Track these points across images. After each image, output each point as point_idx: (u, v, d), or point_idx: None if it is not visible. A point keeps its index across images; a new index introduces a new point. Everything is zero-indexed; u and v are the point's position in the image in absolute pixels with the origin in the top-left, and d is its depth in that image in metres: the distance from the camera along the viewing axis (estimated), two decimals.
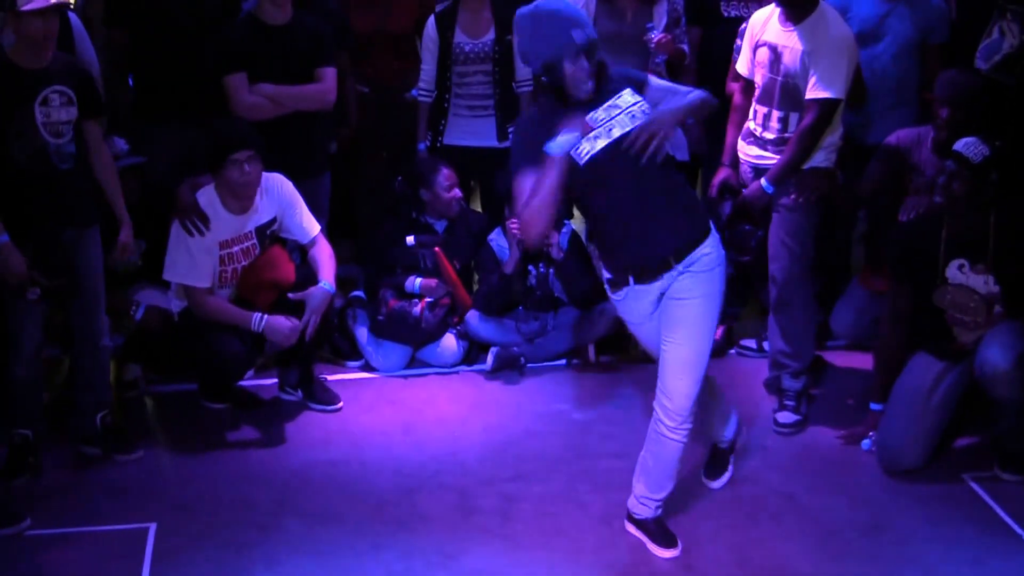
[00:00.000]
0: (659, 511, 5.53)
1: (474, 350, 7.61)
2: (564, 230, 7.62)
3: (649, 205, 5.10)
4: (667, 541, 5.49)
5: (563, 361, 7.60)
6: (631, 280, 5.25)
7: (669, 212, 5.16)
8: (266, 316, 6.48)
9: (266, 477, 6.21)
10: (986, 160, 5.95)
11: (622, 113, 5.08)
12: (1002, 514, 5.85)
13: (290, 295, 6.58)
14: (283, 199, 6.73)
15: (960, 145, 6.01)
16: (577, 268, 7.58)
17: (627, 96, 5.14)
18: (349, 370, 7.49)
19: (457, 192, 7.66)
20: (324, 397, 6.94)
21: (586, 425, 6.77)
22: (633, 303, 5.35)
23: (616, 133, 5.04)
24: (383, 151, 8.34)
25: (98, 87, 6.34)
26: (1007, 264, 6.03)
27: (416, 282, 7.49)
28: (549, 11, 5.08)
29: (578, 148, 4.99)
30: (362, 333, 7.50)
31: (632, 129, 5.01)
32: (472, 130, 7.97)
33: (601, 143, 5.02)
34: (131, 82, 7.30)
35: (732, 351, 7.65)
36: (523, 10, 5.14)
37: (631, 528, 5.59)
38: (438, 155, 7.90)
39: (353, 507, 5.91)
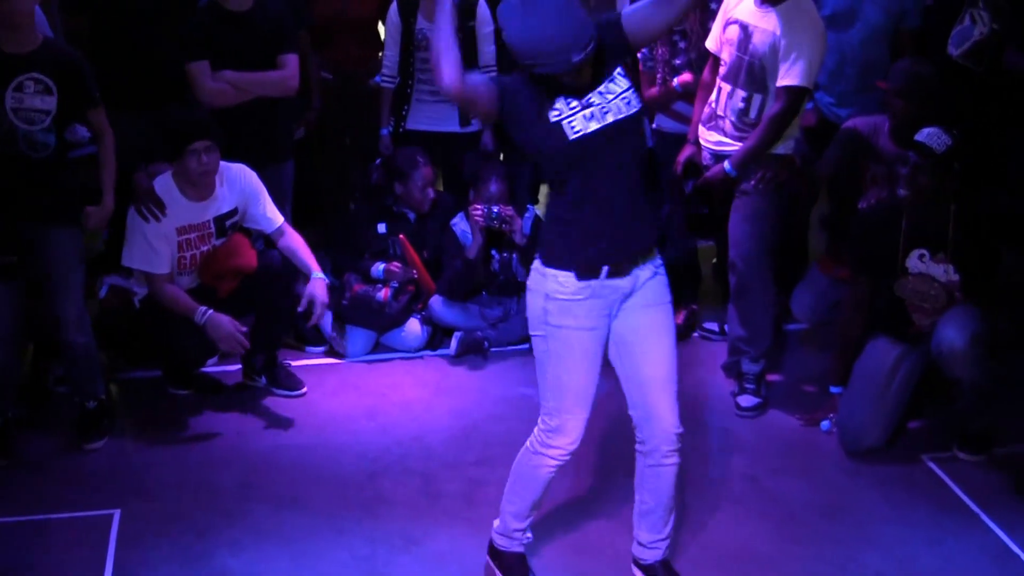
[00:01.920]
0: (667, 551, 5.18)
1: (438, 335, 7.64)
2: (527, 215, 7.65)
3: (628, 196, 4.71)
4: None
5: (527, 345, 7.60)
6: (604, 273, 4.72)
7: (644, 206, 4.81)
8: (210, 312, 6.47)
9: (231, 462, 6.23)
10: (949, 150, 5.99)
11: (617, 98, 4.66)
12: (960, 494, 5.91)
13: (300, 309, 6.65)
14: (246, 190, 6.73)
15: (923, 136, 6.04)
16: None
17: (620, 80, 4.69)
18: (313, 356, 7.51)
19: (431, 192, 7.69)
20: (288, 383, 6.96)
21: None
22: (594, 302, 4.76)
23: (609, 119, 4.62)
24: (346, 137, 8.35)
25: (89, 79, 6.32)
26: (967, 253, 6.08)
27: (380, 267, 7.52)
28: (544, 29, 4.43)
29: (571, 121, 4.61)
30: (326, 318, 7.50)
31: (623, 117, 4.62)
32: (435, 115, 7.99)
33: (594, 125, 4.60)
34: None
35: (695, 334, 7.70)
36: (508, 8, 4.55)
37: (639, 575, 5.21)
38: (401, 140, 7.93)
39: (318, 492, 5.93)
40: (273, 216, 6.82)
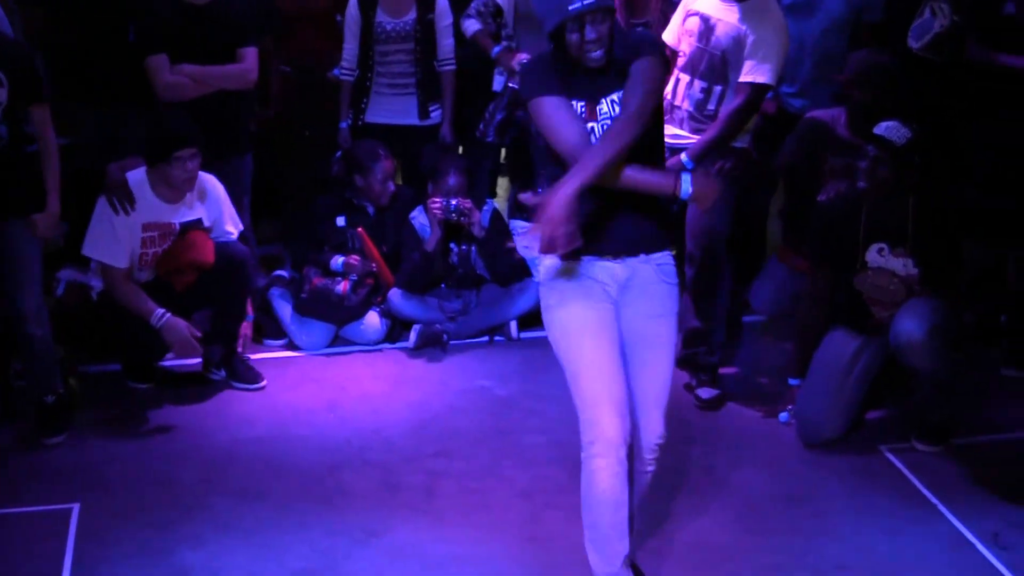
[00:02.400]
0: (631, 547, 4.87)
1: (397, 328, 7.65)
2: (486, 208, 7.67)
3: (624, 202, 4.56)
4: None
5: (486, 338, 7.65)
6: (586, 256, 4.62)
7: (642, 212, 4.62)
8: (167, 316, 6.47)
9: (190, 456, 6.22)
10: (909, 143, 6.02)
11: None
12: (918, 484, 5.95)
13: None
14: (217, 203, 6.81)
15: (882, 129, 6.06)
16: (499, 245, 7.63)
17: (618, 104, 4.55)
18: (272, 349, 7.51)
19: (391, 186, 7.70)
20: (247, 376, 6.95)
21: (509, 401, 6.83)
22: (582, 277, 4.64)
23: None
24: (306, 130, 8.35)
25: (39, 72, 6.29)
26: (926, 247, 6.12)
27: (339, 260, 7.52)
28: None
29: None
30: (285, 311, 7.51)
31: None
32: (394, 108, 8.01)
33: (592, 138, 4.50)
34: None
35: None
36: None
37: None
38: (360, 133, 7.94)
39: (278, 484, 5.93)
40: (232, 230, 6.91)
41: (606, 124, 4.50)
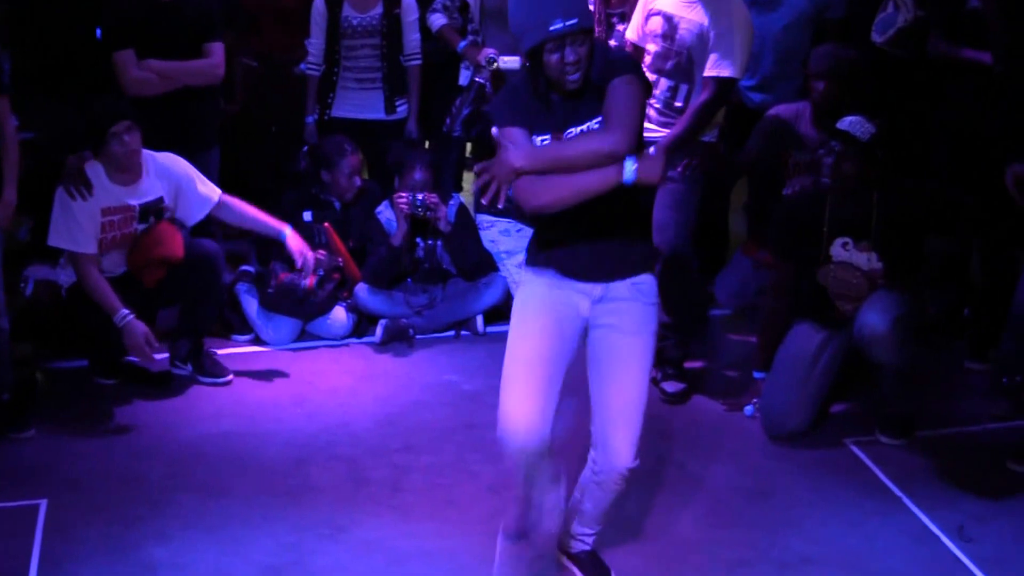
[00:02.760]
0: (595, 544, 5.15)
1: (363, 322, 7.65)
2: (452, 203, 7.67)
3: (592, 229, 4.51)
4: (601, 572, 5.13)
5: (452, 332, 7.65)
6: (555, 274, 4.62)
7: (619, 241, 4.59)
8: (130, 317, 6.43)
9: (157, 451, 6.21)
10: (873, 138, 6.04)
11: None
12: (882, 477, 5.99)
13: (299, 264, 6.85)
14: (174, 176, 6.73)
15: (846, 124, 6.09)
16: (465, 240, 7.63)
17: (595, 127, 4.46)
18: (239, 344, 7.50)
19: (357, 181, 7.71)
20: (214, 370, 6.95)
21: (475, 395, 6.83)
22: (552, 289, 4.63)
23: None
24: (272, 125, 8.34)
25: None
26: (890, 241, 6.15)
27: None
28: None
29: None
30: (252, 306, 7.51)
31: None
32: (360, 103, 8.02)
33: None
34: None
35: None
36: None
37: (566, 562, 5.18)
38: (326, 128, 7.94)
39: (244, 480, 5.93)
40: (209, 193, 6.84)
41: None
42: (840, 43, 7.06)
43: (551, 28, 4.22)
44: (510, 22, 4.38)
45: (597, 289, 4.59)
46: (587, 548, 5.11)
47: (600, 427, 4.70)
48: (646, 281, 4.64)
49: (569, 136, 4.43)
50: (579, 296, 4.60)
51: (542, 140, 4.45)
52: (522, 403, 4.58)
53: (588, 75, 4.38)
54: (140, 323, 6.43)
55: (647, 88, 4.52)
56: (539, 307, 4.63)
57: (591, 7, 6.68)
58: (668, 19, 6.40)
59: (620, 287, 4.59)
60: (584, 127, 4.42)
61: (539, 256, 4.64)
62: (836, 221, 6.19)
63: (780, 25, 7.23)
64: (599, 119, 4.39)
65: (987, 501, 5.73)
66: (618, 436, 4.66)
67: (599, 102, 4.39)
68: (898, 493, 5.84)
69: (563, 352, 4.62)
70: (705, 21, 6.26)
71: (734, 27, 6.26)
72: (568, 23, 4.22)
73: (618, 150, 4.29)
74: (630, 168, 4.28)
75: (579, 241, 4.53)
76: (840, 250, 6.20)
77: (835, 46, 6.91)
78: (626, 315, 4.61)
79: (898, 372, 6.19)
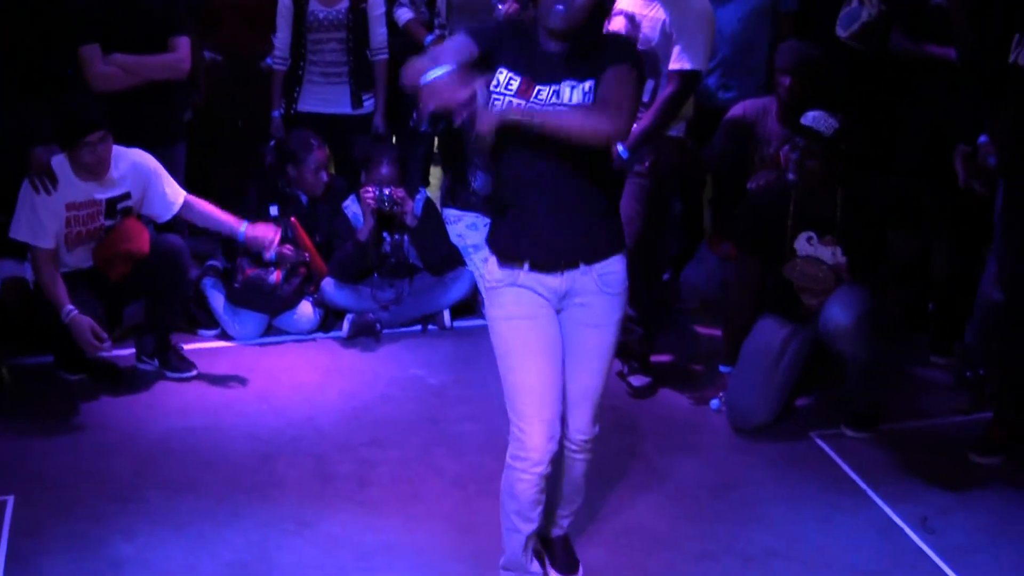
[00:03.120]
0: (567, 528, 5.17)
1: (330, 317, 7.66)
2: (419, 197, 7.68)
3: (558, 206, 4.42)
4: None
5: (419, 327, 7.66)
6: (526, 266, 4.52)
7: (583, 222, 4.47)
8: (74, 313, 6.39)
9: (124, 447, 6.19)
10: (837, 132, 6.07)
11: (557, 107, 4.32)
12: (847, 470, 6.03)
13: (267, 256, 6.80)
14: (143, 174, 6.70)
15: (809, 119, 6.11)
16: (432, 234, 7.64)
17: (577, 94, 4.34)
18: (205, 339, 7.50)
19: (324, 175, 7.70)
20: (180, 366, 6.93)
21: (442, 390, 6.85)
22: (521, 292, 4.56)
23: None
24: (238, 120, 8.33)
25: None
26: (854, 236, 6.18)
27: (272, 250, 7.51)
28: None
29: (497, 99, 4.35)
30: (218, 301, 7.50)
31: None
32: (326, 97, 8.02)
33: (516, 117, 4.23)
34: None
35: None
36: None
37: (539, 546, 5.10)
38: (292, 122, 7.93)
39: (211, 475, 5.92)
40: (175, 194, 6.82)
41: (542, 106, 4.31)
42: (805, 39, 7.09)
43: None
44: None
45: (563, 283, 4.51)
46: (562, 533, 5.13)
47: (564, 405, 4.68)
48: (614, 270, 4.56)
49: (538, 94, 4.33)
50: (548, 292, 4.53)
51: (508, 78, 4.35)
52: (541, 436, 4.56)
53: (578, 39, 4.33)
54: (84, 317, 6.40)
55: (642, 77, 4.48)
56: (519, 323, 4.57)
57: None
58: (630, 18, 6.42)
59: (587, 280, 4.52)
60: (561, 87, 4.32)
61: (508, 246, 4.53)
62: (800, 215, 6.22)
63: (735, 18, 7.26)
64: (569, 82, 4.32)
65: (950, 493, 5.77)
66: (577, 413, 4.71)
67: (578, 69, 4.33)
68: (863, 486, 5.87)
69: (557, 355, 4.62)
70: (667, 17, 6.27)
71: (693, 21, 6.28)
72: None
73: (618, 134, 4.29)
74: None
75: (547, 218, 4.44)
76: (805, 244, 6.23)
77: (800, 42, 6.94)
78: (591, 308, 4.56)
79: (863, 366, 6.22)
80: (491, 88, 4.34)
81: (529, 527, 4.75)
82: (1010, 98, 5.73)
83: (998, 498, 5.76)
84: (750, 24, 7.34)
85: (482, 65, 4.33)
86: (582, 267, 4.51)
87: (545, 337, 4.58)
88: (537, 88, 4.33)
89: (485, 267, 4.66)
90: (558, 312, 4.60)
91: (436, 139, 8.60)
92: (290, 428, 6.38)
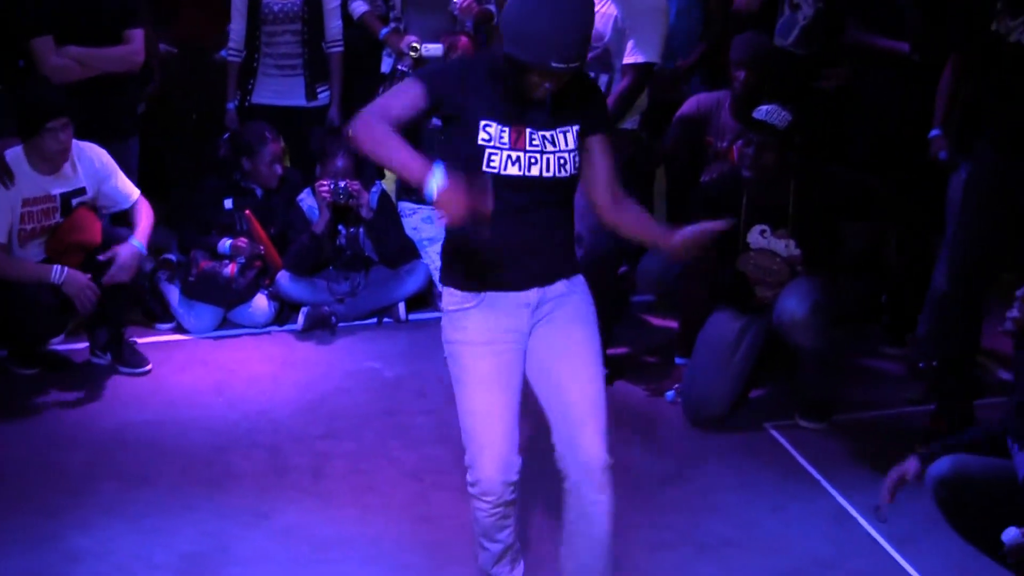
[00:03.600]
0: None
1: (285, 310, 7.66)
2: (374, 189, 7.68)
3: (530, 232, 4.22)
4: None
5: (374, 320, 7.67)
6: (493, 288, 4.29)
7: (550, 241, 4.29)
8: (67, 269, 6.41)
9: (78, 441, 6.17)
10: (790, 126, 6.10)
11: (555, 154, 4.17)
12: (801, 460, 6.06)
13: (100, 257, 6.54)
14: (98, 170, 6.68)
15: (762, 113, 6.13)
16: (387, 227, 7.64)
17: (569, 138, 4.20)
18: (160, 332, 7.48)
19: (278, 168, 7.69)
20: (133, 360, 6.91)
21: (397, 382, 6.86)
22: (487, 313, 4.30)
23: (534, 172, 4.14)
24: (193, 112, 8.31)
25: None
26: (807, 228, 6.21)
27: (227, 243, 7.50)
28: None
29: (493, 154, 4.12)
30: (173, 295, 7.48)
31: (549, 177, 4.16)
32: (280, 89, 8.01)
33: (513, 171, 4.12)
34: None
35: None
36: None
37: None
38: (247, 115, 7.92)
39: (166, 468, 5.91)
40: (128, 192, 6.80)
41: (534, 157, 4.13)
42: (757, 31, 7.12)
43: (552, 64, 3.95)
44: (505, 15, 4.08)
45: (534, 295, 4.31)
46: None
47: (563, 429, 4.39)
48: (581, 283, 4.44)
49: (531, 141, 4.13)
50: (517, 310, 4.31)
51: (499, 131, 4.12)
52: (491, 468, 4.32)
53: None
54: (77, 272, 6.43)
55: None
56: (481, 351, 4.31)
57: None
58: None
59: (556, 286, 4.34)
60: (551, 133, 4.15)
61: (471, 270, 4.29)
62: (753, 208, 6.25)
63: (673, 10, 7.29)
64: (562, 130, 4.18)
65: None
66: (585, 433, 4.35)
67: (565, 112, 4.17)
68: (816, 476, 5.90)
69: (517, 385, 4.37)
70: (616, 13, 6.29)
71: (645, 14, 6.29)
72: (569, 66, 3.99)
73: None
74: (436, 180, 3.88)
75: (514, 243, 4.21)
76: (758, 237, 6.26)
77: (755, 34, 6.97)
78: (565, 306, 4.37)
79: (817, 357, 6.25)
80: (481, 143, 4.13)
81: (496, 547, 4.57)
82: (999, 73, 5.72)
83: None
84: (682, 18, 7.39)
85: (431, 113, 4.22)
86: (552, 284, 4.34)
87: (506, 366, 4.33)
88: (529, 135, 4.15)
89: (447, 296, 4.38)
90: (531, 328, 4.36)
91: None
92: (245, 421, 6.38)
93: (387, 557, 5.20)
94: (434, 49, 7.66)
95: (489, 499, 4.38)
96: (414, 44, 7.63)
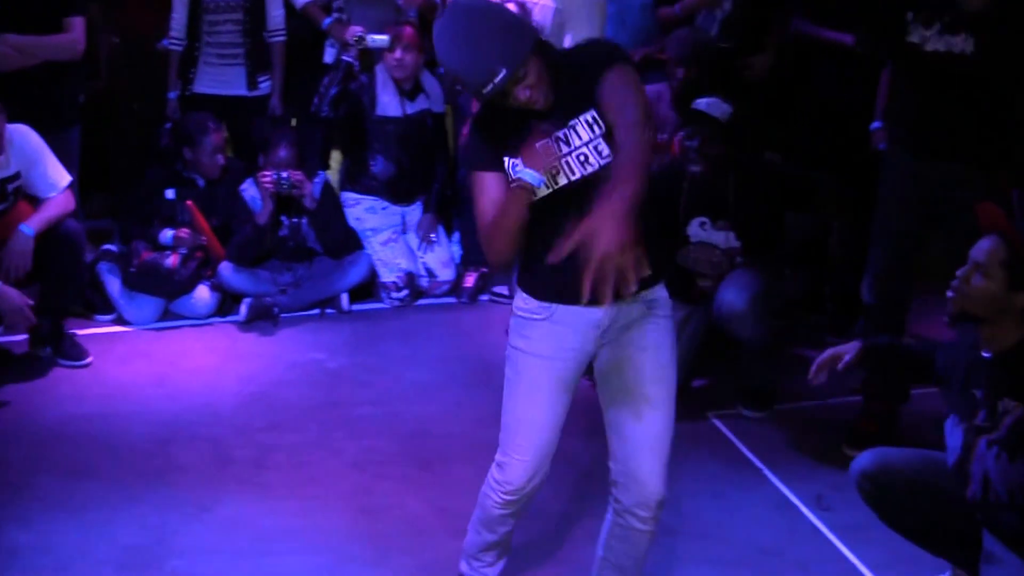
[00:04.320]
0: None
1: (228, 301, 7.63)
2: (317, 179, 7.66)
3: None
4: None
5: (317, 310, 7.65)
6: (567, 301, 4.09)
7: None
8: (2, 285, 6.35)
9: (17, 435, 6.13)
10: (731, 118, 6.12)
11: (572, 153, 3.97)
12: (744, 449, 6.11)
13: None
14: (26, 152, 6.60)
15: (703, 105, 6.15)
16: (330, 218, 7.63)
17: (581, 131, 3.97)
18: (101, 324, 7.44)
19: (220, 158, 7.65)
20: (73, 352, 6.86)
21: (340, 373, 6.85)
22: (555, 327, 4.15)
23: (561, 182, 3.97)
24: (135, 102, 8.27)
25: None
26: (747, 220, 6.23)
27: (169, 234, 7.46)
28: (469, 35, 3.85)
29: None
30: (114, 286, 7.43)
31: (576, 178, 3.96)
32: (222, 79, 7.98)
33: (541, 191, 3.97)
34: None
35: (484, 297, 7.81)
36: (441, 25, 3.91)
37: None
38: (189, 104, 7.88)
39: (107, 461, 5.87)
40: (56, 180, 6.70)
41: (583, 155, 3.95)
42: (693, 26, 7.14)
43: (485, 92, 3.82)
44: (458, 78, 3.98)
45: (607, 316, 4.11)
46: None
47: (623, 458, 4.32)
48: (659, 295, 4.20)
49: (560, 147, 3.95)
50: (585, 329, 4.15)
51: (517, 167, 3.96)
52: (520, 471, 4.31)
53: (558, 84, 3.97)
54: (9, 288, 6.36)
55: (629, 60, 4.08)
56: (540, 363, 4.20)
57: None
58: (521, 5, 6.41)
59: (633, 307, 4.14)
60: (583, 118, 3.96)
61: (546, 283, 4.13)
62: (693, 200, 6.27)
63: (637, 5, 7.29)
64: (591, 113, 3.95)
65: (843, 471, 5.75)
66: (646, 467, 4.27)
67: (574, 102, 3.97)
68: (759, 465, 5.93)
69: (567, 402, 4.31)
70: (556, 4, 6.29)
71: (583, 7, 6.32)
72: (497, 80, 3.81)
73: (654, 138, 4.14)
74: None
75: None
76: (698, 230, 6.28)
77: (690, 29, 6.99)
78: (640, 331, 4.18)
79: (757, 348, 6.28)
80: (514, 170, 3.98)
81: (490, 536, 4.58)
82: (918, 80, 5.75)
83: None
84: (648, 11, 7.39)
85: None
86: (634, 302, 4.13)
87: (562, 383, 4.24)
88: (565, 140, 3.98)
89: (519, 297, 4.24)
90: (599, 348, 4.23)
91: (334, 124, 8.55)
92: (187, 412, 6.35)
93: (330, 548, 5.19)
94: (379, 40, 7.64)
95: (508, 498, 4.37)
96: (359, 36, 7.62)
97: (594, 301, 3.58)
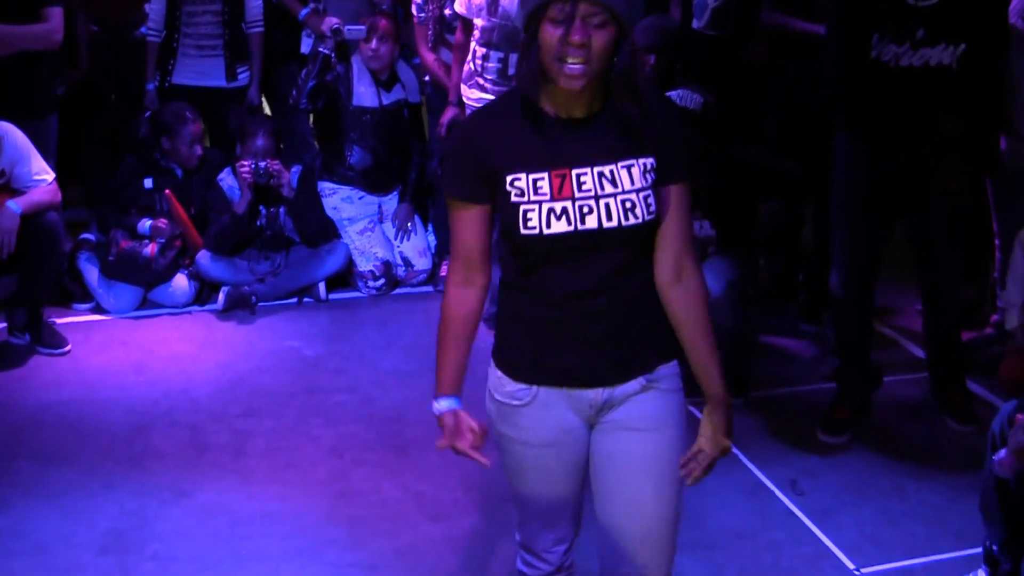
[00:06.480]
0: None
1: (206, 290, 7.65)
2: (294, 169, 7.68)
3: (591, 313, 3.36)
4: None
5: (294, 299, 7.67)
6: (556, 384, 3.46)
7: (637, 319, 3.43)
8: None
9: None
10: (703, 107, 6.15)
11: (617, 196, 3.25)
12: None
13: None
14: (13, 150, 6.62)
15: (675, 96, 6.19)
16: (307, 207, 7.65)
17: (636, 174, 3.27)
18: (79, 312, 7.45)
19: (198, 148, 7.67)
20: (52, 340, 6.88)
21: (317, 361, 6.87)
22: (544, 412, 3.48)
23: (590, 223, 3.23)
24: (112, 92, 8.28)
25: None
26: (720, 209, 6.27)
27: (147, 223, 7.47)
28: None
29: (528, 211, 3.24)
30: (92, 275, 7.45)
31: (612, 227, 3.25)
32: (201, 70, 7.99)
33: (561, 227, 3.23)
34: None
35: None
36: None
37: None
38: (167, 95, 7.90)
39: (85, 447, 5.89)
40: (41, 178, 6.73)
41: (588, 206, 3.23)
42: (662, 15, 7.18)
43: None
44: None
45: (599, 396, 3.47)
46: None
47: (610, 555, 3.65)
48: (670, 373, 3.56)
49: (581, 185, 3.24)
50: (579, 409, 3.50)
51: (533, 180, 3.25)
52: (550, 531, 3.69)
53: (605, 95, 3.30)
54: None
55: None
56: (540, 452, 3.55)
57: None
58: None
59: (631, 385, 3.47)
60: (609, 168, 3.26)
61: (520, 365, 3.49)
62: None
63: None
64: (626, 163, 3.27)
65: (817, 457, 5.88)
66: (640, 559, 3.59)
67: (629, 140, 3.28)
68: (733, 449, 5.89)
69: (582, 476, 3.63)
70: None
71: None
72: None
73: None
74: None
75: (572, 327, 3.38)
76: None
77: (658, 17, 7.01)
78: (640, 408, 3.49)
79: (731, 334, 6.31)
80: (515, 200, 3.26)
81: None
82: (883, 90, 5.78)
83: (860, 461, 5.88)
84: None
85: (492, 199, 3.33)
86: (628, 381, 3.47)
87: (572, 463, 3.58)
88: (577, 177, 3.25)
89: (494, 377, 3.56)
90: (596, 424, 3.55)
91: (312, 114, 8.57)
92: (165, 399, 6.37)
93: (308, 532, 5.22)
94: (356, 32, 7.67)
95: (541, 568, 3.77)
96: (336, 27, 7.64)
97: (582, 381, 3.34)
